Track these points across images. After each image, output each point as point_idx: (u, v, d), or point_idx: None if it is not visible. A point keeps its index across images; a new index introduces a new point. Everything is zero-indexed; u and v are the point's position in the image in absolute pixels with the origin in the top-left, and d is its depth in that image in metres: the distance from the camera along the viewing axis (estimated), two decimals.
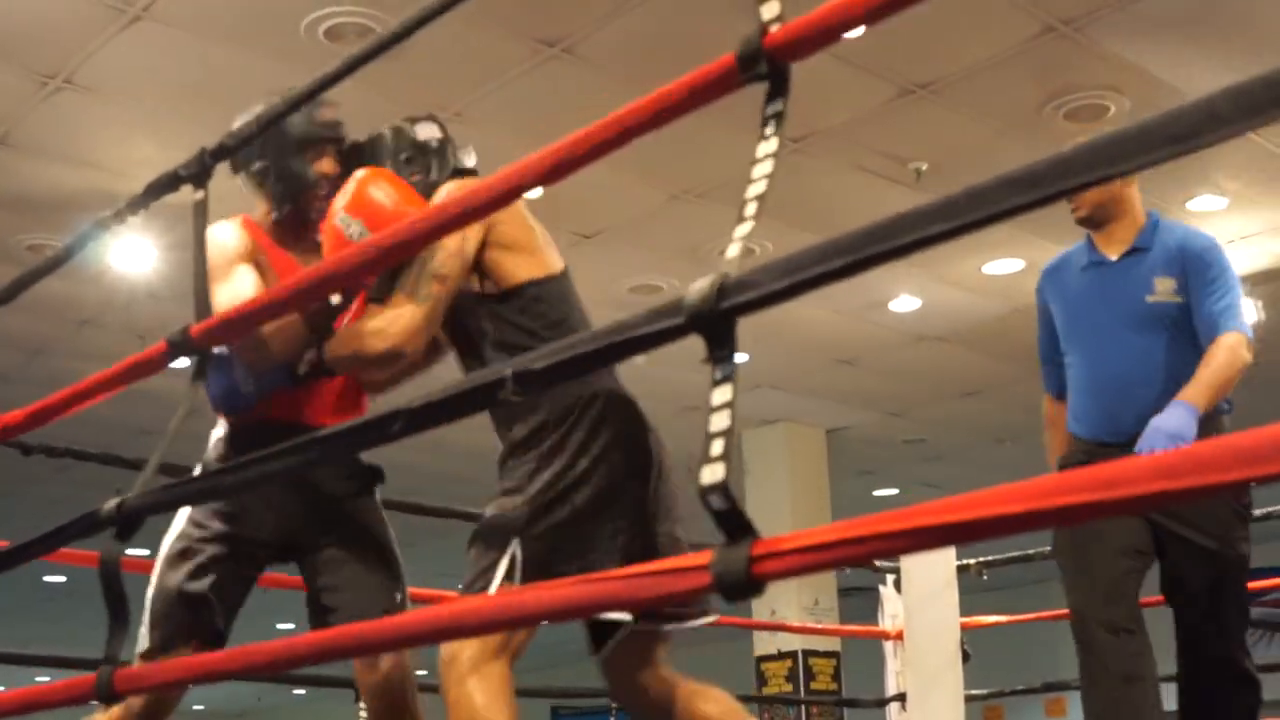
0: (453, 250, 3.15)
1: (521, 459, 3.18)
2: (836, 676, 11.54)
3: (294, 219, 3.58)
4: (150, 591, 3.50)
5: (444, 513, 6.18)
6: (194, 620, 3.45)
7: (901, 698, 6.81)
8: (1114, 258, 4.18)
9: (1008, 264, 8.99)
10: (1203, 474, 0.97)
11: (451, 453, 12.35)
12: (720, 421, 1.23)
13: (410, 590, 4.42)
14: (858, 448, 13.13)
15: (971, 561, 6.81)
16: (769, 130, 1.46)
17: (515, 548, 3.07)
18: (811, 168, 7.56)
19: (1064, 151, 1.04)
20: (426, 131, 3.49)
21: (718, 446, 1.23)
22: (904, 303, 9.71)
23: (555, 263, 3.35)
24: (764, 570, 1.21)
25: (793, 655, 11.41)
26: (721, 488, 1.22)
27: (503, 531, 3.09)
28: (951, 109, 7.13)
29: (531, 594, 1.57)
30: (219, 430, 3.60)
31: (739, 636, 12.52)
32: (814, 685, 11.27)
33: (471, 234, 3.17)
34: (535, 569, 3.02)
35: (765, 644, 11.66)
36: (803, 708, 11.04)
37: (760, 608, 11.45)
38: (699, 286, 1.27)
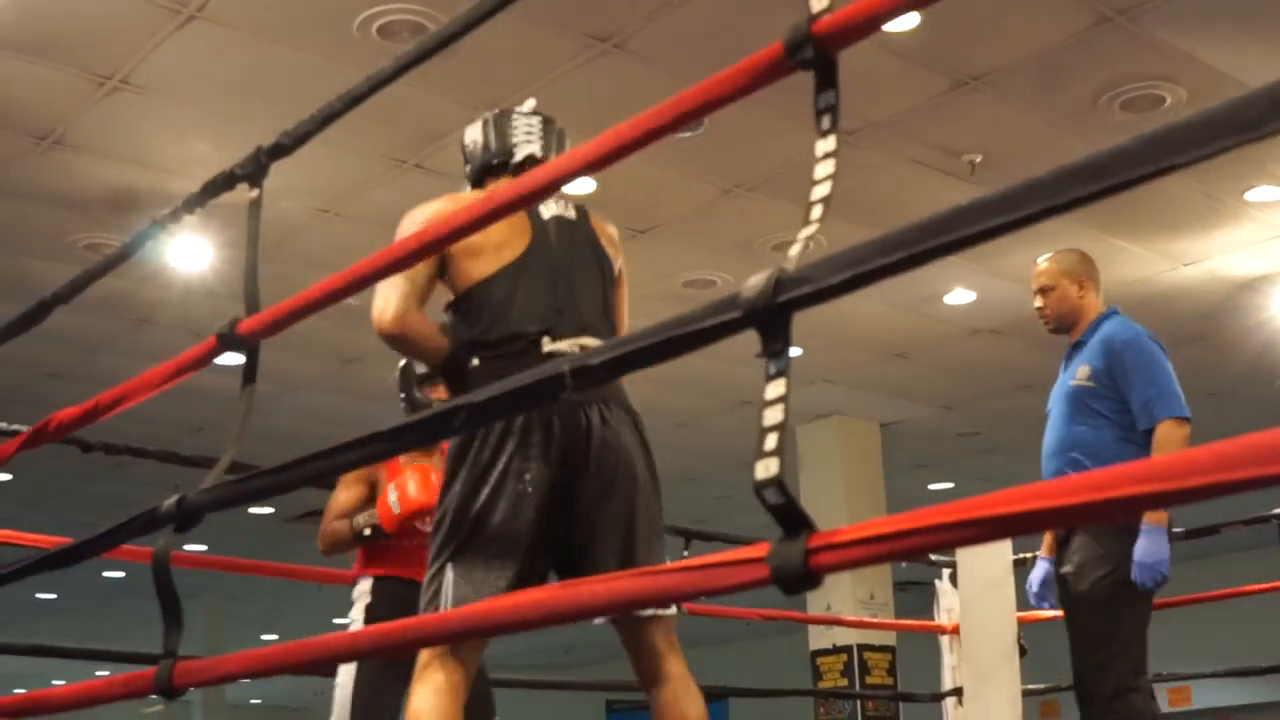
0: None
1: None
2: (892, 671, 11.51)
3: None
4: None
5: None
6: None
7: (958, 692, 6.79)
8: (1069, 347, 5.09)
9: None
10: (1266, 464, 0.96)
11: None
12: (774, 416, 1.23)
13: None
14: (912, 441, 13.09)
15: (1029, 555, 6.78)
16: (825, 124, 1.46)
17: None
18: (864, 161, 7.54)
19: (1125, 142, 1.03)
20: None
21: (772, 441, 1.23)
22: (958, 296, 9.66)
23: (507, 256, 3.44)
24: (821, 563, 1.21)
25: (848, 650, 11.38)
26: (776, 482, 1.22)
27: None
28: (1005, 101, 7.10)
29: (593, 587, 1.57)
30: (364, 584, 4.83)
31: (794, 631, 12.53)
32: (869, 680, 11.24)
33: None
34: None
35: (820, 638, 11.63)
36: (858, 702, 11.02)
37: (815, 602, 11.42)
38: (755, 281, 1.27)
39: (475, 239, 3.34)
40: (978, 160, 7.65)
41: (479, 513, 3.17)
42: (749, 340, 1.31)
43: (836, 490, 11.73)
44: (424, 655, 3.16)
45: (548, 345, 3.31)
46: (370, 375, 10.58)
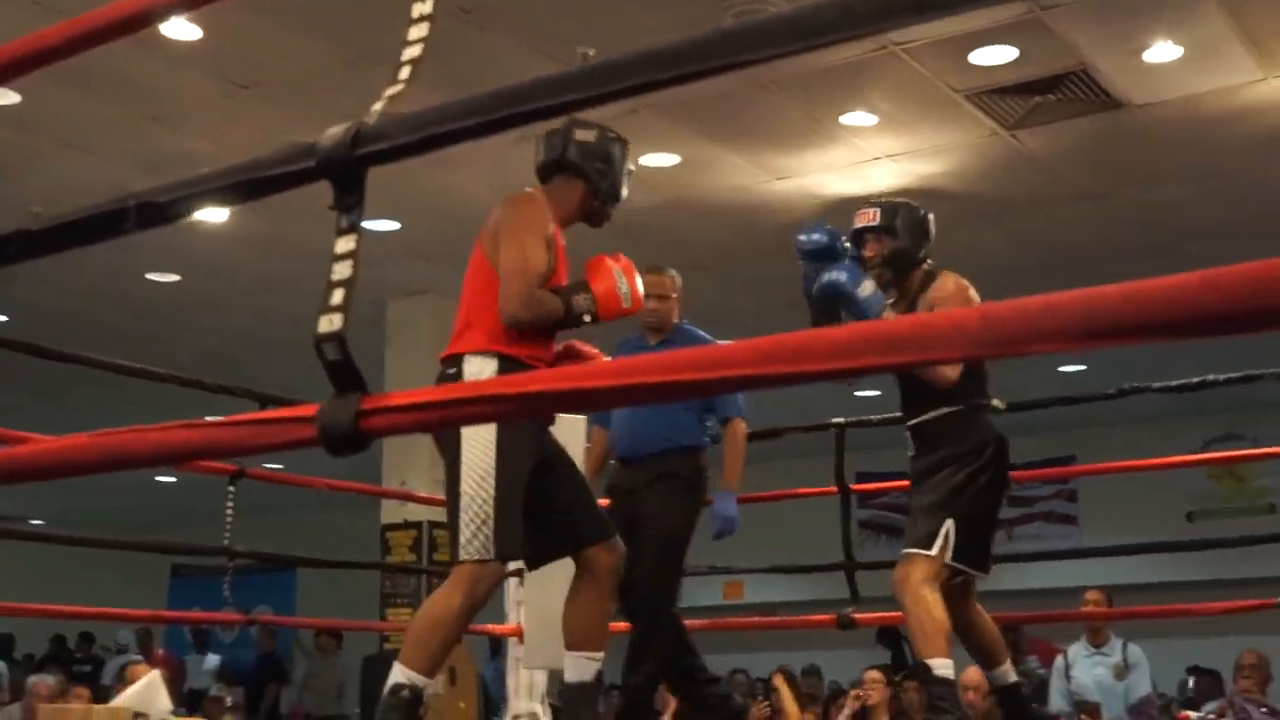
0: None
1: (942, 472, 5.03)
2: None
3: (593, 214, 4.78)
4: None
5: (100, 364, 5.98)
6: None
7: (520, 572, 6.91)
8: (653, 343, 5.94)
9: (664, 158, 9.11)
10: (794, 362, 1.01)
11: (120, 303, 11.94)
12: (343, 271, 1.22)
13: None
14: None
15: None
16: None
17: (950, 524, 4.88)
18: (481, 42, 7.48)
19: (702, 34, 1.05)
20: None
21: (338, 296, 1.21)
22: None
23: None
24: (371, 425, 1.21)
25: (418, 526, 11.44)
26: (336, 337, 1.21)
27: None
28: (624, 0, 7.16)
29: (140, 435, 1.52)
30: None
31: (366, 505, 12.51)
32: (438, 556, 11.32)
33: None
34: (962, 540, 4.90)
35: (392, 513, 11.65)
36: (424, 577, 11.09)
37: (390, 477, 11.42)
38: (334, 132, 1.25)
39: None
40: (591, 54, 7.68)
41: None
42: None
43: (423, 368, 11.63)
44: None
45: None
46: None
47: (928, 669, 4.79)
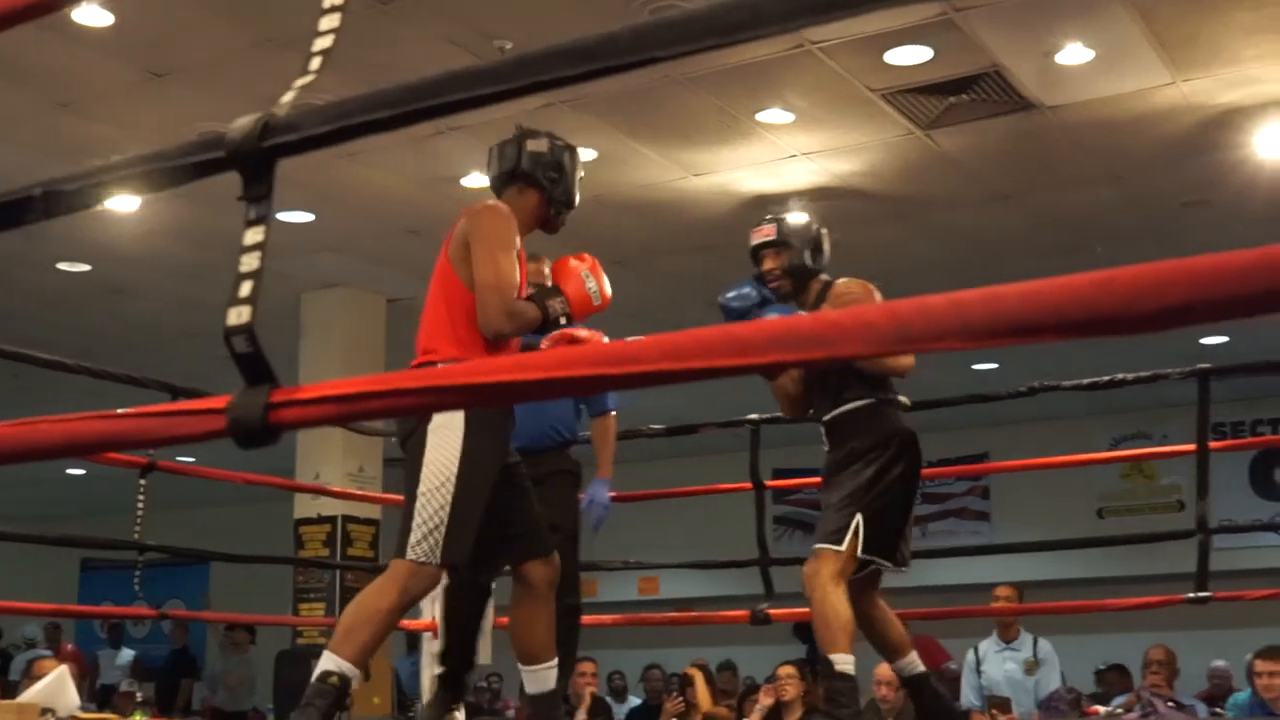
0: None
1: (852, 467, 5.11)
2: (374, 544, 11.56)
3: (548, 222, 4.85)
4: None
5: (8, 354, 5.89)
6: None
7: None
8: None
9: (580, 153, 9.09)
10: (707, 357, 1.01)
11: (28, 292, 11.78)
12: (250, 263, 1.21)
13: None
14: (419, 319, 13.10)
15: None
16: None
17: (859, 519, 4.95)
18: (398, 33, 7.45)
19: (615, 30, 1.06)
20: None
21: (246, 288, 1.21)
22: (475, 179, 9.68)
23: None
24: (281, 417, 1.20)
25: (332, 520, 11.37)
26: (246, 330, 1.21)
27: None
28: None
29: (45, 426, 1.51)
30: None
31: (280, 498, 12.41)
32: (351, 551, 11.26)
33: None
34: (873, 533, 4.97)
35: (306, 507, 11.56)
36: (338, 573, 11.04)
37: (304, 471, 11.35)
38: (242, 123, 1.24)
39: None
40: (508, 47, 7.68)
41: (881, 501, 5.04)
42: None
43: (337, 362, 11.61)
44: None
45: None
46: None
47: (830, 664, 4.90)
